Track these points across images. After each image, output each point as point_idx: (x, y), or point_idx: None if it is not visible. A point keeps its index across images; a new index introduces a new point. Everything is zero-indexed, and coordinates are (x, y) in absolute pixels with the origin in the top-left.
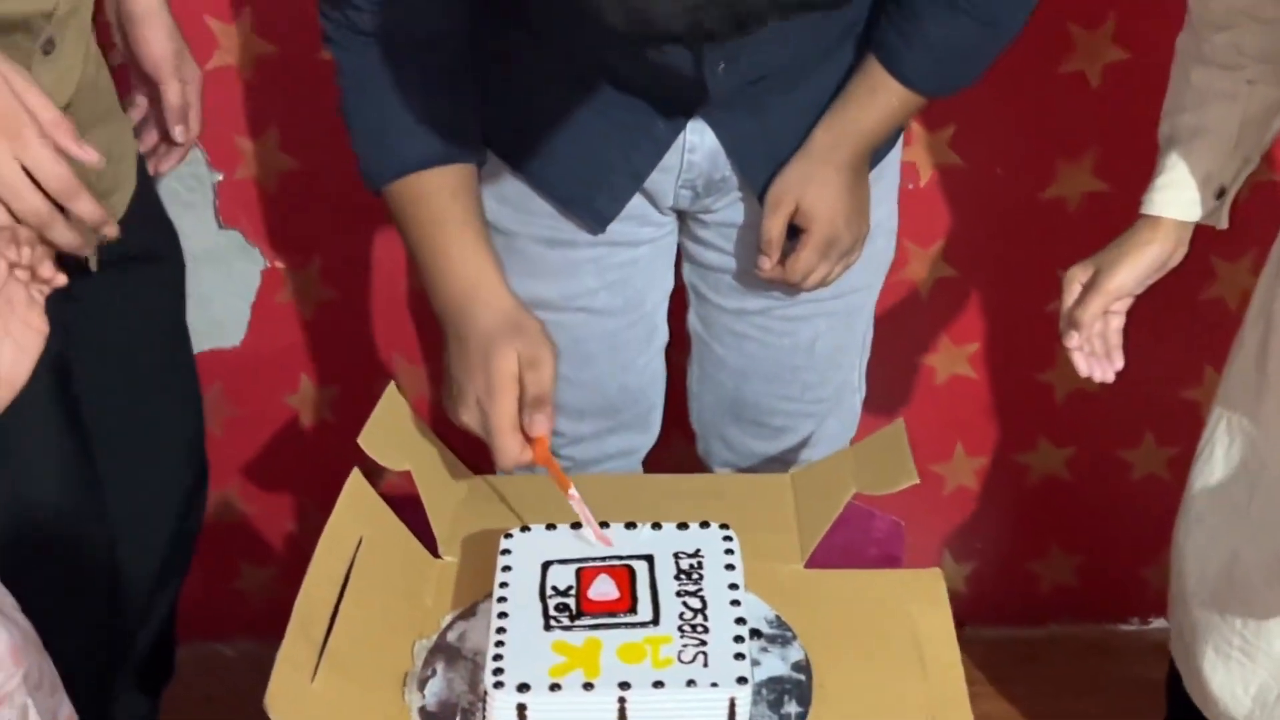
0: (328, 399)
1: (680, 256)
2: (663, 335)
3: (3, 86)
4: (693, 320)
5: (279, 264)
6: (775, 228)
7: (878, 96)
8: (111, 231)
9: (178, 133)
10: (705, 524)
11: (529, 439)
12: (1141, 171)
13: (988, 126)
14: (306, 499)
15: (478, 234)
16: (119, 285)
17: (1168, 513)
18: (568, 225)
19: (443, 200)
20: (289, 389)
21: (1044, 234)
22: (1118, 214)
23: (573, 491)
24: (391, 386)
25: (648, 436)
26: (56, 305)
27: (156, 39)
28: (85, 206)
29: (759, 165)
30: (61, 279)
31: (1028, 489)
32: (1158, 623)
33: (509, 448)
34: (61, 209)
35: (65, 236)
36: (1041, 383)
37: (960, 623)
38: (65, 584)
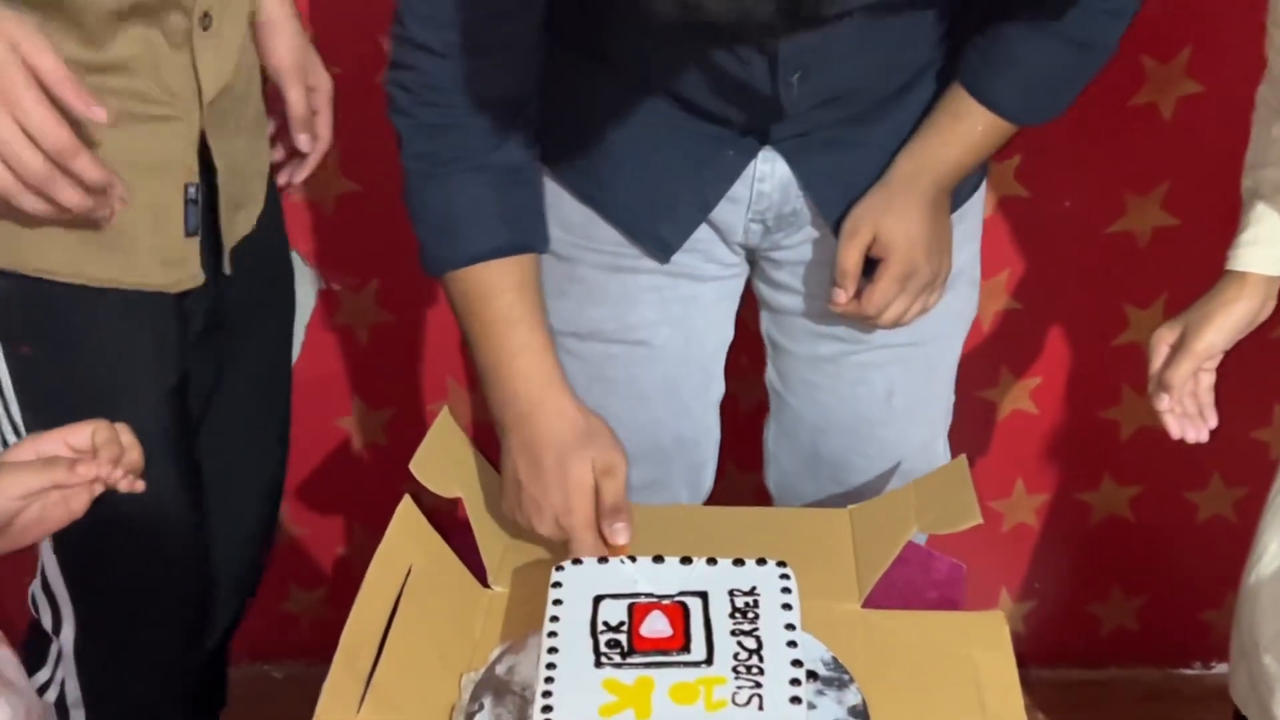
0: (380, 422)
1: (756, 308)
2: (719, 388)
3: (4, 46)
4: (770, 374)
5: (336, 286)
6: (851, 258)
7: (962, 124)
8: (119, 194)
9: (302, 141)
10: (762, 561)
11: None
12: (1213, 206)
13: (1055, 158)
14: (356, 522)
15: (544, 337)
16: (238, 332)
17: (1233, 556)
18: (631, 252)
19: (509, 297)
20: (342, 411)
21: (1111, 268)
22: (1189, 249)
23: None
24: (445, 412)
25: (698, 497)
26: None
27: (282, 47)
28: (86, 166)
29: (833, 197)
30: (140, 486)
31: (1089, 528)
32: (1220, 668)
33: (591, 549)
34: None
35: (68, 195)
36: (1106, 419)
37: (1018, 663)
38: (161, 604)
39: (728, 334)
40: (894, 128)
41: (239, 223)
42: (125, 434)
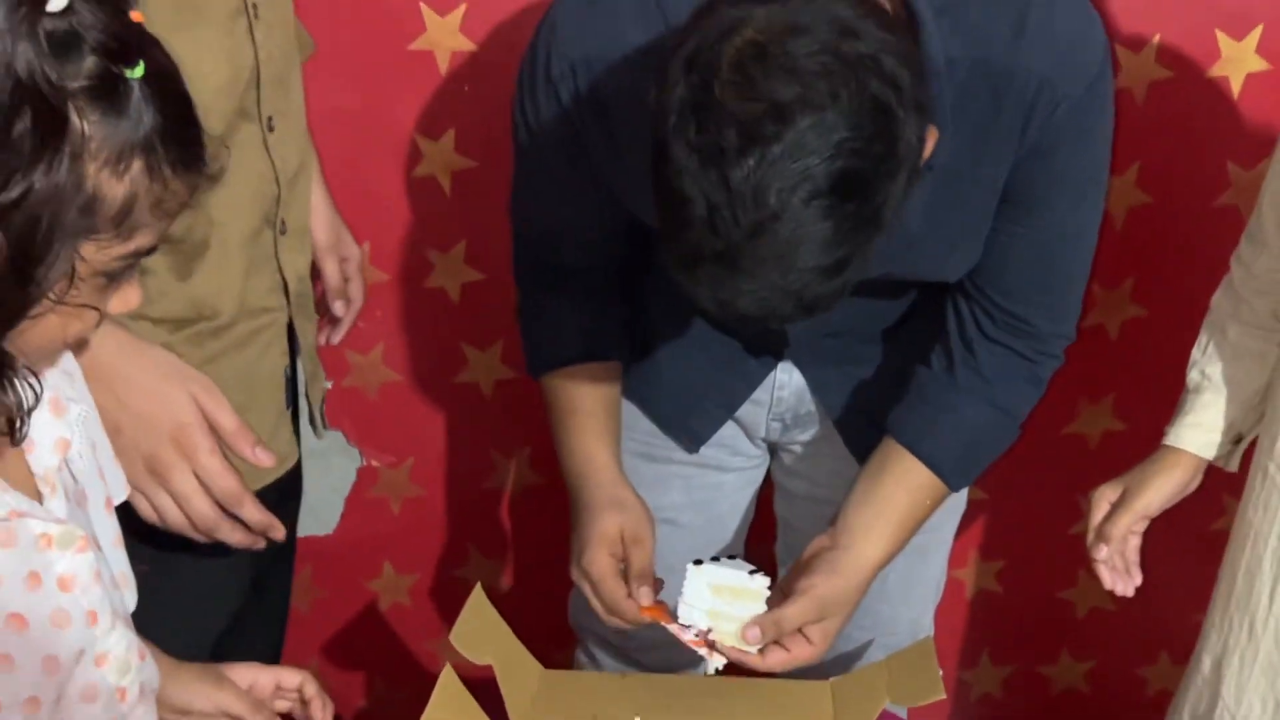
0: (406, 585)
1: (772, 490)
2: None
3: (190, 404)
4: (779, 549)
5: (375, 463)
6: (794, 622)
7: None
8: (278, 534)
9: (338, 307)
10: None
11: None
12: (1155, 412)
13: None
14: (379, 675)
15: (599, 422)
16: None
17: None
18: (664, 442)
19: (578, 391)
20: (373, 574)
21: (1066, 465)
22: (1136, 451)
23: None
24: (478, 589)
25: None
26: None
27: (319, 228)
28: (251, 512)
29: (842, 403)
30: None
31: (1050, 699)
32: None
33: (603, 604)
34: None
35: (233, 536)
36: (1063, 600)
37: None
38: None
39: (748, 516)
40: (895, 346)
41: (314, 394)
42: (310, 686)
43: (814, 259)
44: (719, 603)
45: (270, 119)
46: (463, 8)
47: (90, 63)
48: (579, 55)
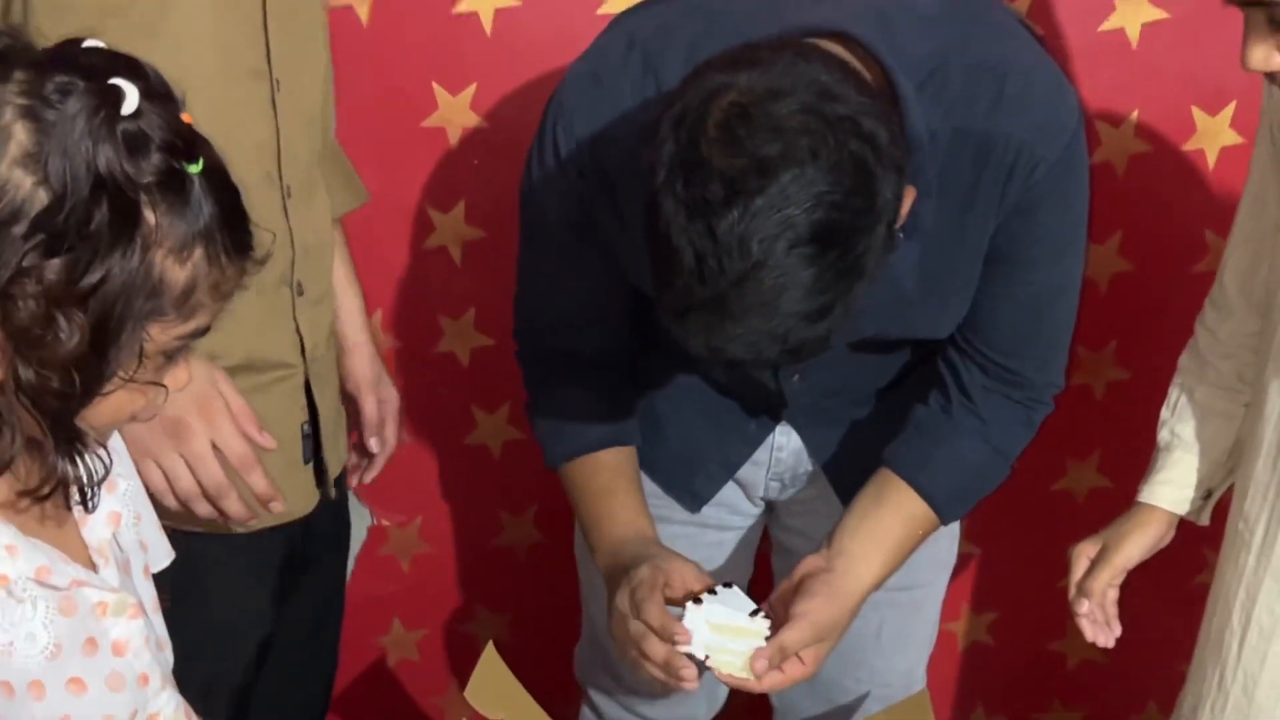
0: (414, 640)
1: (770, 548)
2: None
3: (210, 384)
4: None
5: (385, 522)
6: (794, 643)
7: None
8: (278, 507)
9: (373, 443)
10: None
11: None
12: (1138, 469)
13: None
14: None
15: (636, 498)
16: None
17: None
18: (667, 502)
19: (608, 475)
20: (382, 630)
21: (1056, 520)
22: (1118, 505)
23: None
24: (490, 647)
25: (714, 707)
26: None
27: (360, 365)
28: (258, 480)
29: (838, 463)
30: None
31: None
32: None
33: (648, 670)
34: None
35: (236, 507)
36: (1054, 651)
37: None
38: None
39: (747, 573)
40: (889, 406)
41: (333, 462)
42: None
43: (797, 305)
44: (717, 638)
45: (289, 187)
46: (473, 86)
47: (157, 159)
48: (586, 133)
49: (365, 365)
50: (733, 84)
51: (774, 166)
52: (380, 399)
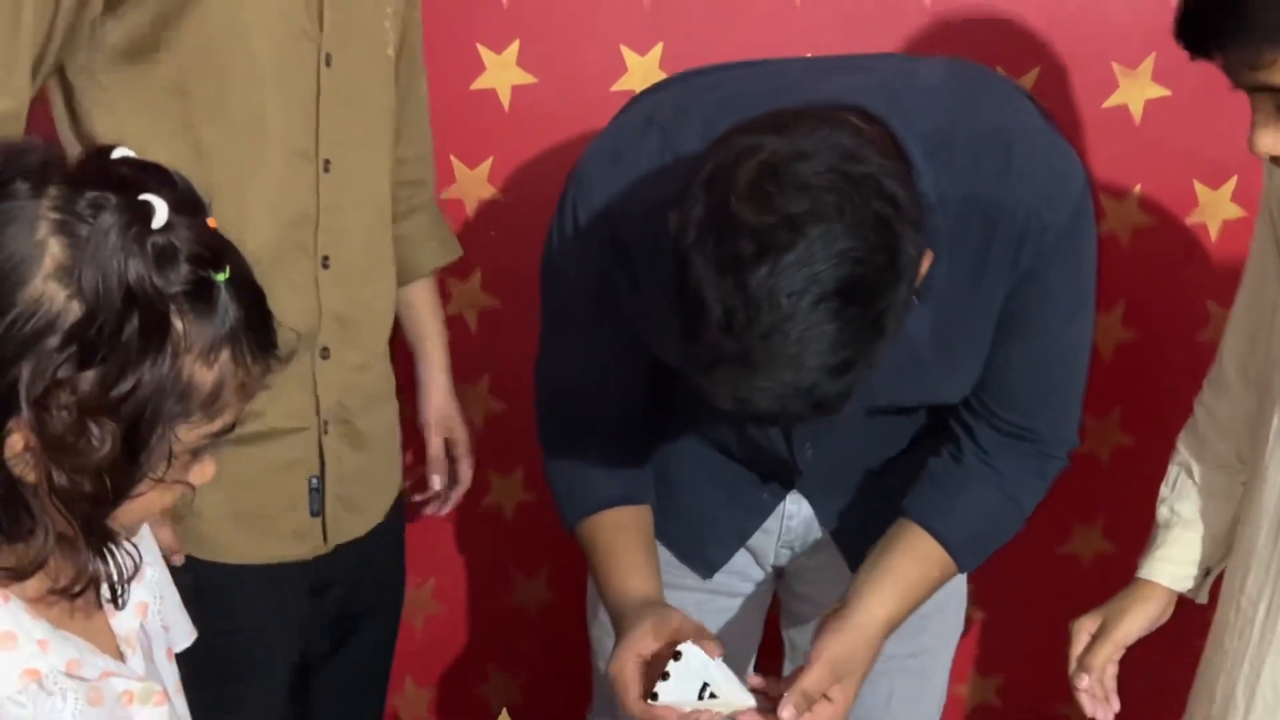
0: (426, 700)
1: (780, 614)
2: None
3: None
4: (786, 668)
5: None
6: (817, 686)
7: (920, 564)
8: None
9: (434, 481)
10: None
11: None
12: (1143, 535)
13: None
14: None
15: (628, 565)
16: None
17: None
18: (680, 569)
19: (606, 539)
20: (394, 690)
21: (1062, 584)
22: (1123, 570)
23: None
24: (504, 715)
25: None
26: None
27: (431, 402)
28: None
29: (848, 532)
30: None
31: None
32: None
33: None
34: None
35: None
36: (1060, 714)
37: None
38: None
39: (757, 637)
40: (900, 475)
41: (346, 522)
42: None
43: (822, 358)
44: (704, 700)
45: (326, 258)
46: (490, 160)
47: (185, 270)
48: (604, 207)
49: (436, 404)
50: (761, 145)
51: (802, 222)
52: (450, 439)
